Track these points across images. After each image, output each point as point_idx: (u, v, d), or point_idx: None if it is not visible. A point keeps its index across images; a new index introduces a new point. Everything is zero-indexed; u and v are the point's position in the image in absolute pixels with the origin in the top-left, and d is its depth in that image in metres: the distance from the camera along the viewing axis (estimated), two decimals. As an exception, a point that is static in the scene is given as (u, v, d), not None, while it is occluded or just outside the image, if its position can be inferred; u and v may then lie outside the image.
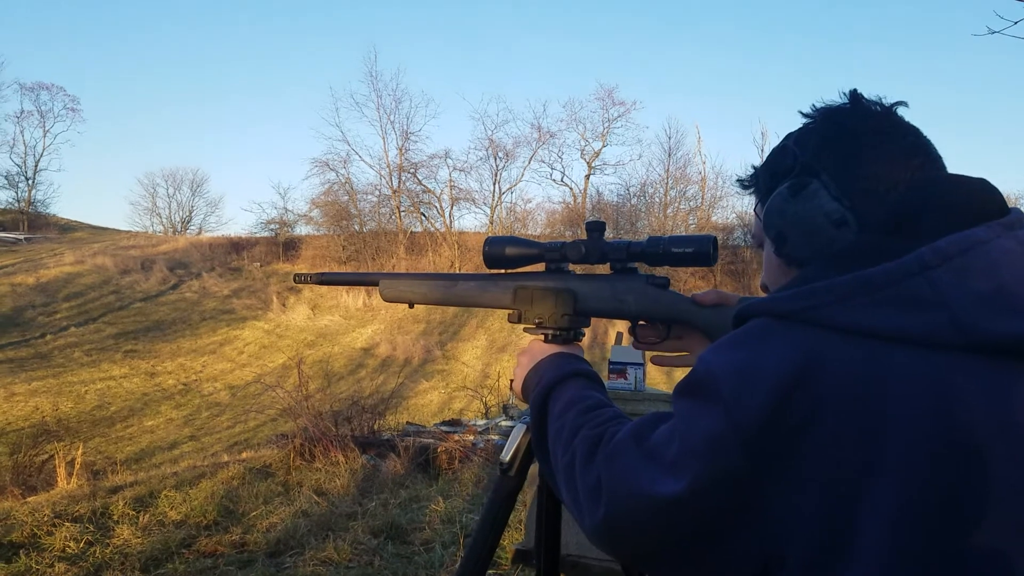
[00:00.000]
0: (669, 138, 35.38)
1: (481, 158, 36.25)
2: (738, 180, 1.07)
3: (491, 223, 34.72)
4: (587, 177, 36.33)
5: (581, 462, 0.94)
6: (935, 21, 59.24)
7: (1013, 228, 0.79)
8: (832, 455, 0.72)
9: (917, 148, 0.90)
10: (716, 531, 0.78)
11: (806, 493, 0.73)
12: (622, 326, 1.38)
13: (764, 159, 1.02)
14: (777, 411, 0.74)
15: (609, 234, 31.52)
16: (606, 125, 36.36)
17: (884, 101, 0.94)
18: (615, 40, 66.04)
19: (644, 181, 35.90)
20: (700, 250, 1.18)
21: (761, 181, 1.00)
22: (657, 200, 34.98)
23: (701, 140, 49.28)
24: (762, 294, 1.01)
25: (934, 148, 0.91)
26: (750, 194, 1.04)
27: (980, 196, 0.84)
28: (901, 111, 0.93)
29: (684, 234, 1.25)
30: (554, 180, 42.57)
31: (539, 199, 72.82)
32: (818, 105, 0.96)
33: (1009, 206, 0.85)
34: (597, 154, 36.22)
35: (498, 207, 35.32)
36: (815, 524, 0.73)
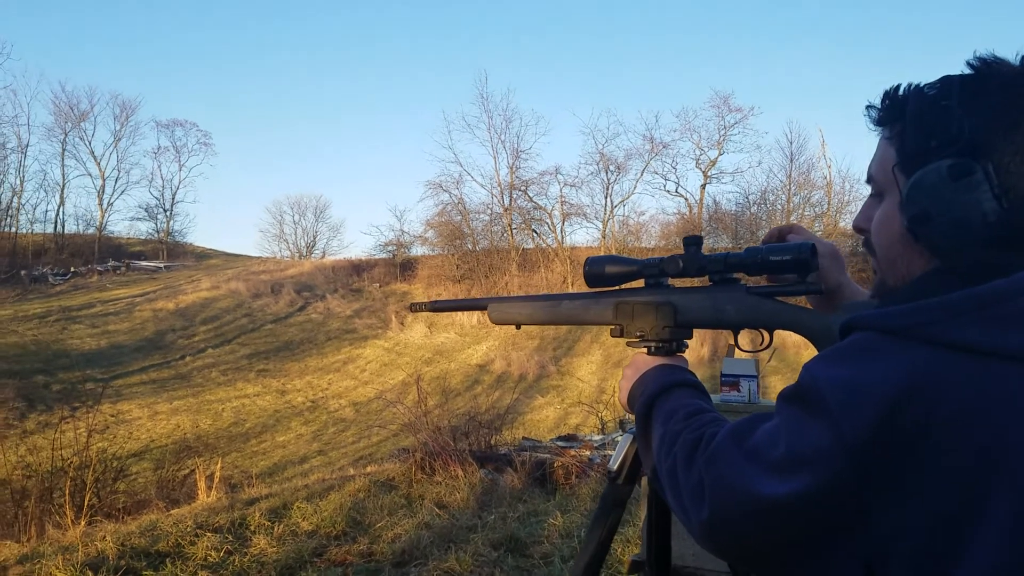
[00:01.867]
0: (790, 143, 34.18)
1: (592, 172, 36.38)
2: (868, 107, 0.95)
3: (603, 237, 34.53)
4: (703, 187, 35.68)
5: (683, 465, 0.95)
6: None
7: None
8: (942, 471, 0.71)
9: None
10: (819, 538, 0.78)
11: (912, 507, 0.73)
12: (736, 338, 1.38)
13: (909, 98, 0.88)
14: (884, 427, 0.73)
15: (729, 243, 30.50)
16: (722, 133, 35.63)
17: None
18: (729, 46, 64.78)
19: (765, 188, 35.11)
20: (798, 258, 1.17)
21: (908, 134, 0.88)
22: (779, 207, 33.95)
23: (825, 143, 47.42)
24: (859, 235, 1.00)
25: None
26: (879, 133, 0.94)
27: None
28: None
29: (781, 243, 1.24)
30: (668, 191, 41.77)
31: (652, 211, 71.70)
32: (988, 59, 0.83)
33: None
34: (713, 163, 35.48)
35: (610, 221, 35.14)
36: (920, 538, 0.73)
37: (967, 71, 0.84)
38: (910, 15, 59.91)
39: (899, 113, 0.90)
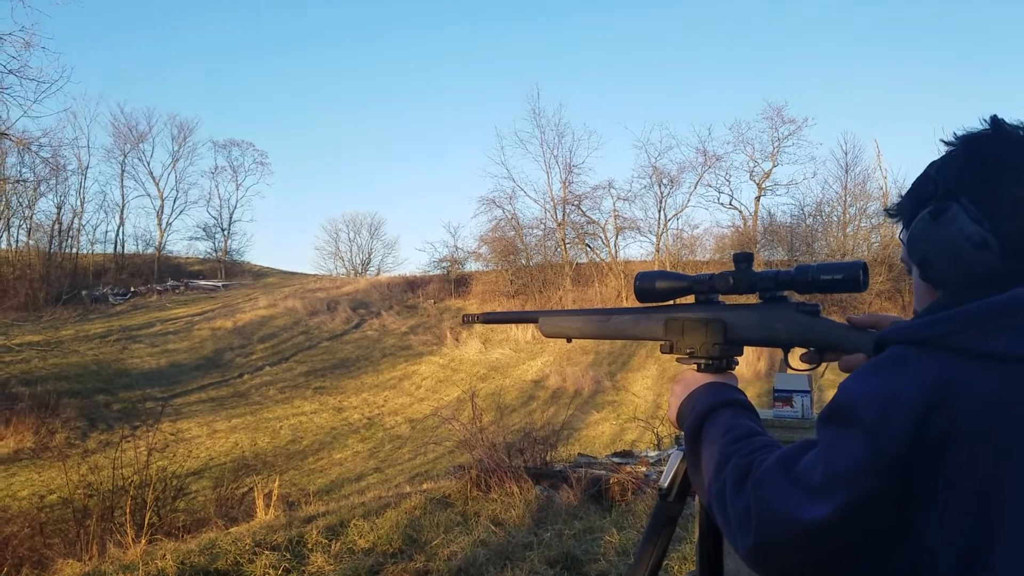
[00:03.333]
0: (845, 154, 33.47)
1: (645, 186, 35.97)
2: (885, 210, 1.11)
3: (657, 251, 34.15)
4: (757, 199, 35.06)
5: (732, 489, 0.97)
6: None
7: None
8: (969, 475, 0.76)
9: None
10: (864, 553, 0.82)
11: (947, 513, 0.77)
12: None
13: (909, 188, 1.05)
14: (917, 435, 0.77)
15: (784, 256, 30.05)
16: (776, 144, 34.92)
17: None
18: (781, 57, 63.77)
19: (820, 200, 34.21)
20: (849, 276, 1.19)
21: (906, 209, 1.03)
22: (835, 219, 33.18)
23: (880, 154, 46.42)
24: None
25: None
26: (896, 222, 1.07)
27: None
28: None
29: (832, 261, 1.33)
30: (722, 204, 41.15)
31: (707, 224, 70.99)
32: (959, 133, 0.99)
33: None
34: (767, 175, 34.88)
35: (664, 234, 34.75)
36: (959, 546, 0.76)
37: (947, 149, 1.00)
38: (964, 21, 58.33)
39: (902, 201, 1.05)
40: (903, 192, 1.06)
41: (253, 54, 76.15)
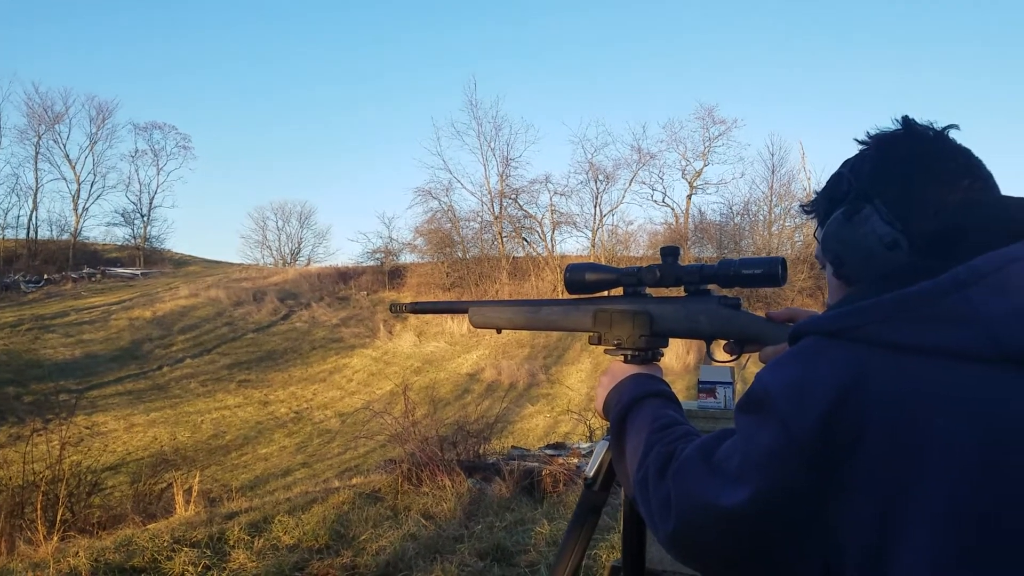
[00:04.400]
0: (772, 155, 34.61)
1: (581, 182, 36.10)
2: (800, 206, 1.14)
3: (592, 246, 34.52)
4: (689, 197, 35.78)
5: (654, 478, 1.00)
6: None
7: None
8: (879, 466, 0.77)
9: (966, 170, 0.94)
10: (779, 539, 0.83)
11: (858, 503, 0.78)
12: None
13: (824, 186, 1.06)
14: (829, 424, 0.79)
15: (714, 252, 31.06)
16: (707, 144, 35.76)
17: (936, 125, 0.98)
18: (713, 58, 65.08)
19: (747, 199, 35.28)
20: (769, 271, 1.25)
21: (820, 207, 1.06)
22: (761, 218, 34.26)
23: (805, 156, 47.95)
24: None
25: (984, 169, 0.95)
26: (812, 219, 1.10)
27: (1020, 214, 0.88)
28: (953, 134, 0.97)
29: (753, 257, 1.32)
30: (655, 201, 41.95)
31: (641, 221, 72.07)
32: (872, 132, 1.02)
33: None
34: (699, 174, 35.64)
35: (599, 230, 35.15)
36: (869, 533, 0.78)
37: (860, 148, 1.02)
38: (889, 29, 60.52)
39: (816, 200, 1.08)
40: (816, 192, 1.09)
41: (177, 33, 73.83)
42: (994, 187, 0.95)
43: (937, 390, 0.77)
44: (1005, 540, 0.73)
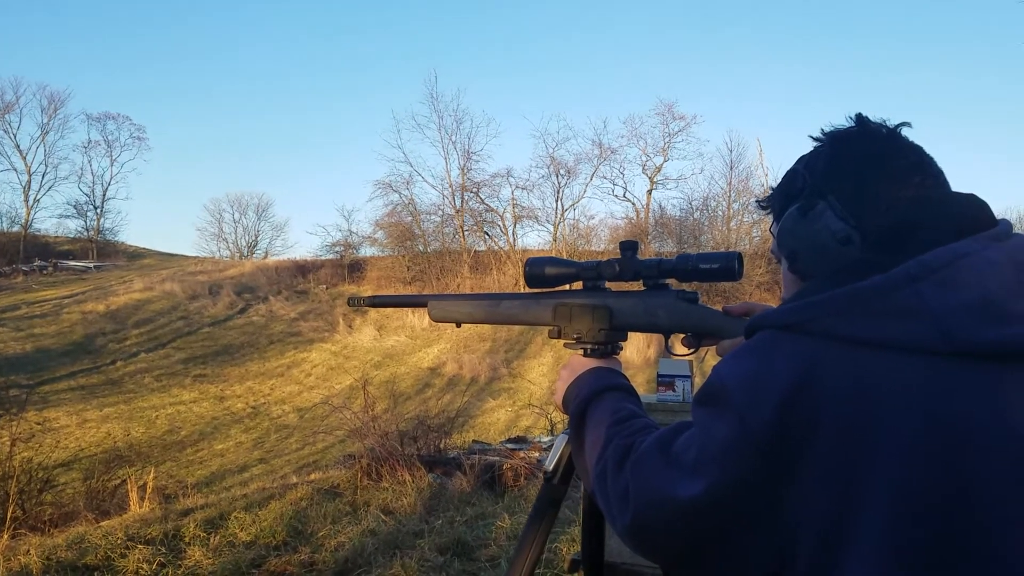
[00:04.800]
0: (730, 151, 34.90)
1: (543, 176, 36.08)
2: (757, 202, 1.16)
3: (554, 240, 34.54)
4: (649, 192, 35.98)
5: (612, 470, 1.00)
6: (992, 28, 57.15)
7: (1000, 240, 0.85)
8: (833, 457, 0.78)
9: (918, 167, 0.95)
10: (734, 531, 0.84)
11: (812, 493, 0.79)
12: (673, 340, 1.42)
13: (779, 183, 1.08)
14: (784, 416, 0.80)
15: (674, 247, 31.26)
16: (667, 140, 36.00)
17: (889, 123, 1.00)
18: (674, 54, 65.63)
19: (706, 195, 35.52)
20: (726, 265, 1.27)
21: (776, 203, 1.07)
22: (720, 213, 34.56)
23: (763, 152, 48.56)
24: None
25: (935, 165, 0.97)
26: (768, 214, 1.11)
27: (969, 210, 0.90)
28: (905, 132, 0.99)
29: (711, 251, 1.31)
30: (616, 196, 41.97)
31: (602, 215, 72.30)
32: (826, 129, 1.03)
33: (997, 218, 0.91)
34: (659, 169, 35.87)
35: (561, 224, 35.17)
36: (821, 523, 0.79)
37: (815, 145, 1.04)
38: (845, 27, 61.57)
39: (772, 195, 1.09)
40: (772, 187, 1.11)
41: (132, 23, 72.49)
42: (944, 184, 0.97)
43: (889, 383, 0.78)
44: (947, 534, 0.75)
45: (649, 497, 0.92)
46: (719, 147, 56.65)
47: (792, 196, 1.02)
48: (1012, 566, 0.75)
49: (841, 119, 1.03)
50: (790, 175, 1.04)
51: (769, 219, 1.11)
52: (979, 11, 57.56)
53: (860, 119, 1.01)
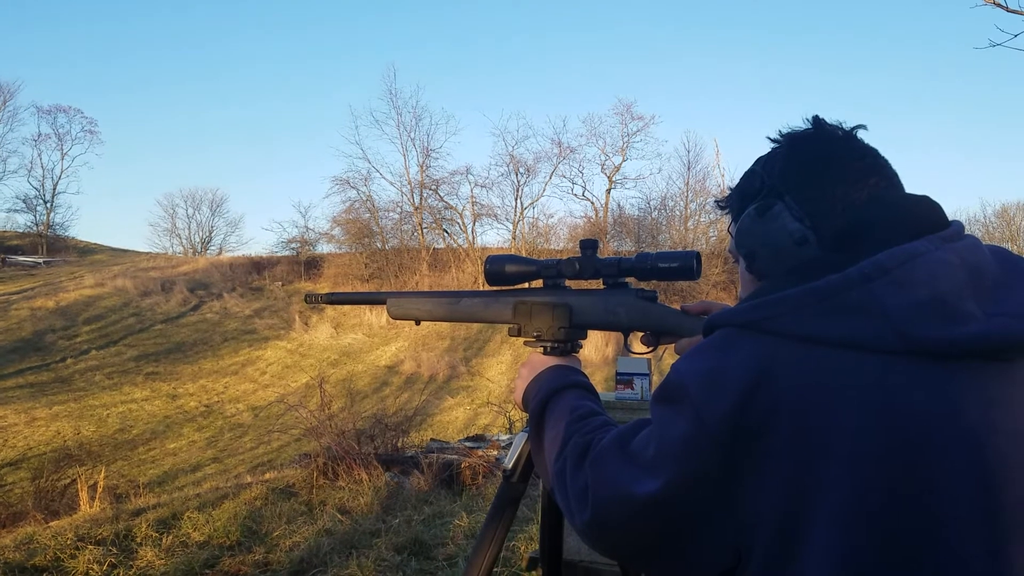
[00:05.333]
0: (688, 151, 35.50)
1: (502, 174, 36.08)
2: (715, 202, 1.17)
3: (513, 238, 34.57)
4: (608, 191, 36.10)
5: (571, 467, 1.01)
6: (944, 30, 58.68)
7: (952, 241, 0.87)
8: (788, 454, 0.80)
9: (873, 169, 0.97)
10: (692, 526, 0.86)
11: (769, 491, 0.81)
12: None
13: (737, 183, 1.09)
14: (741, 413, 0.81)
15: (632, 246, 31.40)
16: (625, 139, 36.14)
17: (845, 125, 1.02)
18: (632, 54, 66.08)
19: (664, 195, 35.78)
20: (684, 265, 1.29)
21: (734, 203, 1.08)
22: (678, 213, 34.87)
23: (720, 153, 49.19)
24: None
25: (890, 168, 1.00)
26: (726, 214, 1.12)
27: (922, 212, 0.92)
28: (861, 134, 1.01)
29: (669, 251, 1.35)
30: (575, 195, 42.13)
31: (561, 214, 72.52)
32: (784, 131, 1.05)
33: (949, 220, 0.94)
34: (617, 168, 36.03)
35: (520, 222, 35.18)
36: (776, 518, 0.80)
37: (772, 146, 1.05)
38: (802, 29, 62.63)
39: (730, 195, 1.10)
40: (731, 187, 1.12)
41: (83, 14, 70.68)
42: (899, 186, 0.98)
43: (843, 381, 0.79)
44: (899, 532, 0.77)
45: (608, 494, 0.92)
46: (677, 147, 57.27)
47: (750, 196, 1.03)
48: (965, 563, 0.76)
49: (798, 120, 1.05)
50: (748, 176, 1.05)
51: (727, 219, 1.13)
52: (936, 13, 59.00)
53: (817, 121, 1.02)
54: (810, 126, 1.03)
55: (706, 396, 0.84)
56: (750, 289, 1.04)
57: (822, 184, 0.96)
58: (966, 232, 0.91)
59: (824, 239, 0.94)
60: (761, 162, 1.04)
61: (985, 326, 0.80)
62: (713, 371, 0.85)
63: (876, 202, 0.94)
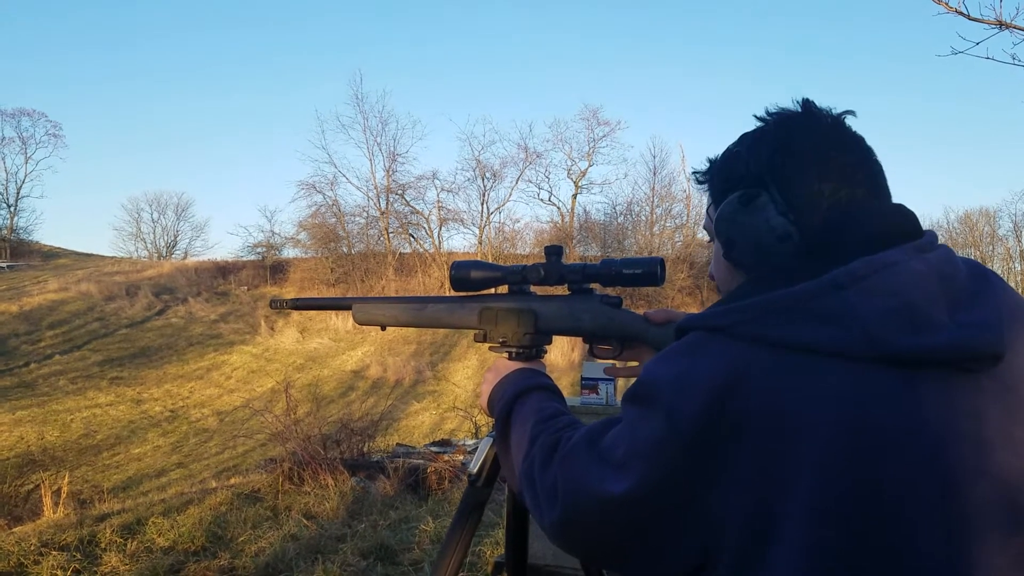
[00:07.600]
0: (654, 157, 35.48)
1: (469, 179, 36.08)
2: (693, 173, 1.12)
3: (480, 243, 34.62)
4: (574, 196, 36.31)
5: (539, 467, 1.01)
6: (908, 41, 59.77)
7: (924, 251, 0.88)
8: (758, 458, 0.80)
9: (860, 164, 0.96)
10: (660, 527, 0.86)
11: (737, 493, 0.81)
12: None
13: (718, 158, 1.06)
14: (710, 416, 0.81)
15: (598, 251, 31.39)
16: (592, 145, 36.35)
17: (833, 111, 1.00)
18: (598, 60, 66.36)
19: (630, 200, 36.04)
20: (648, 271, 1.29)
21: (714, 184, 1.05)
22: (643, 218, 35.11)
23: (685, 159, 49.57)
24: (712, 282, 1.13)
25: (874, 158, 0.98)
26: (703, 191, 1.10)
27: (898, 220, 0.93)
28: (849, 120, 1.00)
29: (635, 256, 1.36)
30: (542, 200, 42.20)
31: (527, 219, 72.34)
32: (772, 110, 1.01)
33: (923, 229, 0.94)
34: (583, 173, 36.22)
35: (486, 227, 35.22)
36: (745, 521, 0.81)
37: (757, 123, 1.02)
38: (764, 39, 63.41)
39: (711, 171, 1.07)
40: (710, 159, 1.08)
41: (48, 15, 69.54)
42: (883, 182, 0.98)
43: (812, 386, 0.80)
44: (863, 535, 0.77)
45: (578, 491, 0.92)
46: (643, 153, 57.68)
47: (733, 181, 1.00)
48: (929, 568, 0.77)
49: (760, 114, 1.02)
50: (732, 157, 1.02)
51: (693, 219, 1.15)
52: (898, 24, 60.07)
53: (806, 104, 1.00)
54: (799, 109, 1.00)
55: (677, 398, 0.84)
56: (725, 272, 1.06)
57: (809, 180, 0.94)
58: (939, 242, 0.92)
59: (806, 237, 0.92)
60: (746, 143, 1.01)
61: (954, 335, 0.81)
62: (684, 374, 0.85)
63: (856, 205, 0.93)
